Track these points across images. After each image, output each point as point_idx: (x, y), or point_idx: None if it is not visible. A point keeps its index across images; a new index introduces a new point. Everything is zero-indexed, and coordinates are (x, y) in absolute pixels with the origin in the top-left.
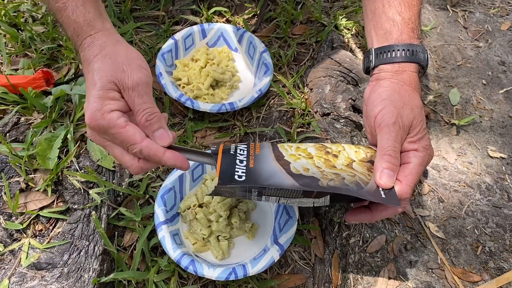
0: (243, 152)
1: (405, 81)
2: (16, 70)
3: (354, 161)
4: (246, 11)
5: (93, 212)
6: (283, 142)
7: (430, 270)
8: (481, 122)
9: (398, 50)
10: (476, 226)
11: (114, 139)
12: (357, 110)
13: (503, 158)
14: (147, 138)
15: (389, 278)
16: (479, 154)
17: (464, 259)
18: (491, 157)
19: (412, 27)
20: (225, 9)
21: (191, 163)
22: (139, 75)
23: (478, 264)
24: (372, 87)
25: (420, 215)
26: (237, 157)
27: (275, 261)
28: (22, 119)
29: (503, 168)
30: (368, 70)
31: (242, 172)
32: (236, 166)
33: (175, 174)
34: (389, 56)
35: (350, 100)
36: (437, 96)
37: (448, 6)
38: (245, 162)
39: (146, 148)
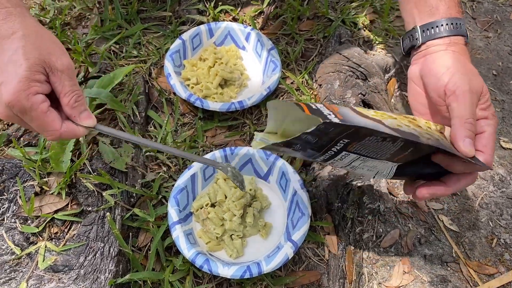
0: (324, 108)
1: (460, 52)
2: None
3: (430, 127)
4: (253, 9)
5: (108, 214)
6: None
7: (445, 263)
8: None
9: (447, 24)
10: (491, 218)
11: (31, 122)
12: (367, 105)
13: None
14: (65, 123)
15: (404, 272)
16: None
17: (479, 252)
18: (504, 148)
19: (457, 1)
20: (231, 7)
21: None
22: (67, 59)
23: (493, 256)
24: (423, 62)
25: (433, 209)
26: (322, 110)
27: (289, 258)
28: None
29: None
30: (409, 50)
31: (335, 117)
32: (327, 114)
33: (187, 174)
34: (437, 31)
35: (359, 95)
36: None
37: None
38: (332, 115)
39: (65, 133)
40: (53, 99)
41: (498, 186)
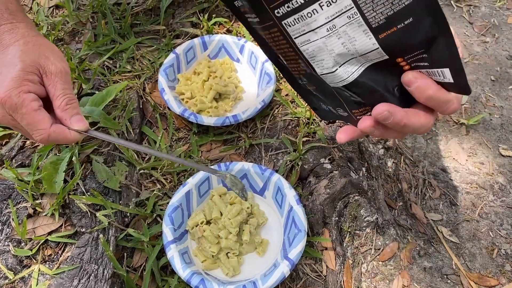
0: None
1: None
2: None
3: None
4: None
5: (101, 236)
6: None
7: (445, 276)
8: (491, 120)
9: None
10: (491, 228)
11: (21, 120)
12: None
13: None
14: (55, 124)
15: (403, 286)
16: (490, 154)
17: (479, 263)
18: (503, 155)
19: None
20: (225, 19)
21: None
22: (62, 64)
23: (494, 267)
24: None
25: (432, 220)
26: None
27: (286, 276)
28: (28, 142)
29: None
30: None
31: None
32: None
33: (182, 191)
34: None
35: None
36: None
37: (452, 2)
38: None
39: (54, 133)
40: (48, 105)
41: (498, 195)
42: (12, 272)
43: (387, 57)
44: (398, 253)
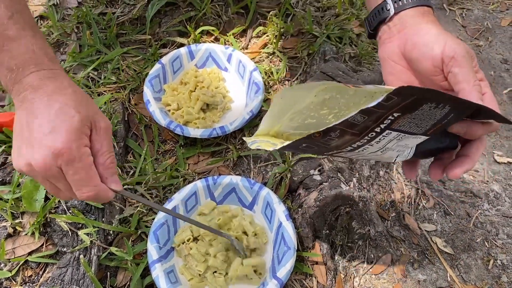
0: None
1: (436, 21)
2: (3, 106)
3: None
4: (235, 28)
5: (81, 257)
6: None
7: None
8: None
9: None
10: (486, 238)
11: (74, 174)
12: None
13: (510, 163)
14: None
15: None
16: (485, 161)
17: (475, 275)
18: (498, 162)
19: None
20: (213, 28)
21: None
22: (108, 121)
23: (490, 279)
24: (402, 37)
25: (426, 230)
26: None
27: None
28: (9, 158)
29: (511, 173)
30: (376, 28)
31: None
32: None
33: (168, 207)
34: (410, 1)
35: None
36: None
37: (444, 5)
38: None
39: (102, 191)
40: None
41: (493, 203)
42: None
43: (423, 137)
44: (392, 265)
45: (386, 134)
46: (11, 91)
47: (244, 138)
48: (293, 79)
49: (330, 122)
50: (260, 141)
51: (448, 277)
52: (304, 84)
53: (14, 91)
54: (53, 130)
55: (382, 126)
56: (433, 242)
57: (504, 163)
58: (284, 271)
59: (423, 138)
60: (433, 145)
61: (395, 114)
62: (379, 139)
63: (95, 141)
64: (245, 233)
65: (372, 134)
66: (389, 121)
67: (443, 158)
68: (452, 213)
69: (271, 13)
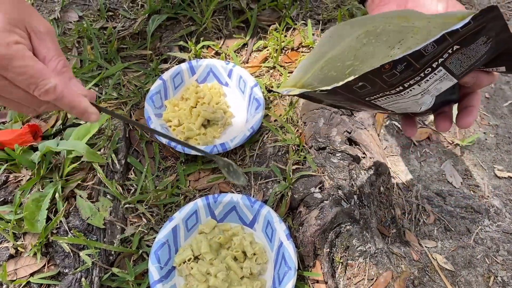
0: None
1: None
2: (4, 123)
3: None
4: (235, 42)
5: (83, 280)
6: None
7: None
8: (486, 139)
9: None
10: (487, 254)
11: (18, 75)
12: (353, 142)
13: (511, 177)
14: (58, 76)
15: None
16: (485, 175)
17: None
18: (498, 177)
19: None
20: (213, 43)
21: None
22: (48, 23)
23: None
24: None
25: (426, 247)
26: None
27: None
28: (11, 176)
29: None
30: None
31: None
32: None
33: (168, 226)
34: None
35: (345, 133)
36: None
37: None
38: None
39: (62, 84)
40: None
41: (494, 219)
42: None
43: (456, 81)
44: (392, 282)
45: (437, 71)
46: None
47: (274, 90)
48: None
49: (347, 76)
50: (293, 90)
51: None
52: (357, 19)
53: None
54: None
55: (440, 60)
56: (433, 258)
57: (505, 177)
58: None
59: (454, 82)
60: (447, 96)
61: (455, 47)
62: (429, 78)
63: (39, 47)
64: (244, 252)
65: (428, 70)
66: (447, 55)
67: (446, 112)
68: (453, 229)
69: (271, 27)
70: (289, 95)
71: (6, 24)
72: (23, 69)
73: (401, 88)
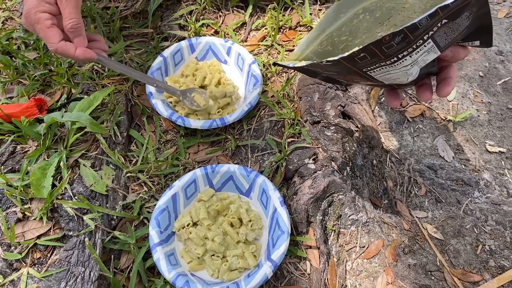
0: None
1: None
2: (11, 98)
3: None
4: (234, 21)
5: (86, 239)
6: None
7: (429, 272)
8: (478, 116)
9: None
10: (475, 224)
11: (37, 33)
12: (347, 116)
13: (502, 152)
14: (62, 41)
15: (387, 283)
16: (477, 150)
17: (464, 259)
18: (489, 152)
19: None
20: (213, 21)
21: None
22: None
23: (478, 263)
24: None
25: (417, 217)
26: None
27: (268, 277)
28: (18, 147)
29: (502, 162)
30: None
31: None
32: None
33: (168, 194)
34: None
35: (339, 107)
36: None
37: None
38: None
39: (60, 48)
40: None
41: (483, 191)
42: (2, 276)
43: (439, 53)
44: (383, 250)
45: (427, 43)
46: None
47: (280, 63)
48: (290, 71)
49: (341, 51)
50: (298, 63)
51: (438, 262)
52: None
53: None
54: (24, 1)
55: (430, 33)
56: (424, 228)
57: (496, 152)
58: (278, 253)
59: (438, 54)
60: (429, 68)
61: (443, 21)
62: (420, 49)
63: (62, 10)
64: (240, 219)
65: (419, 42)
66: (436, 28)
67: (427, 83)
68: (443, 201)
69: (269, 6)
70: (294, 67)
71: None
72: (39, 31)
73: (395, 59)
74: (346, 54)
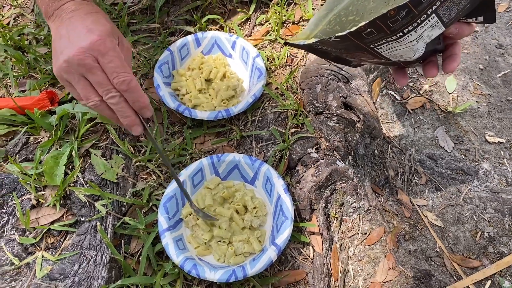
0: None
1: None
2: (24, 91)
3: None
4: (239, 16)
5: (98, 224)
6: None
7: (429, 258)
8: (478, 108)
9: None
10: (475, 212)
11: (109, 62)
12: (349, 107)
13: (501, 142)
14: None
15: (389, 268)
16: (476, 141)
17: (463, 246)
18: (488, 142)
19: None
20: (218, 16)
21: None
22: (130, 44)
23: (477, 249)
24: None
25: (417, 205)
26: None
27: (273, 261)
28: (31, 138)
29: (501, 152)
30: None
31: None
32: None
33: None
34: None
35: (341, 98)
36: (433, 85)
37: None
38: None
39: (135, 81)
40: None
41: (483, 180)
42: (18, 259)
43: (444, 29)
44: (384, 237)
45: (431, 18)
46: (51, 16)
47: (291, 42)
48: (293, 64)
49: (352, 26)
50: (308, 41)
51: (438, 248)
52: None
53: (54, 15)
54: (89, 31)
55: (433, 8)
56: (424, 215)
57: (495, 142)
58: (282, 238)
59: (442, 30)
60: (434, 45)
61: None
62: (424, 24)
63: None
64: (245, 206)
65: (423, 17)
66: (439, 2)
67: (433, 60)
68: (443, 189)
69: (273, 1)
70: (305, 45)
71: (112, 31)
72: (115, 59)
73: (401, 34)
74: (354, 28)
